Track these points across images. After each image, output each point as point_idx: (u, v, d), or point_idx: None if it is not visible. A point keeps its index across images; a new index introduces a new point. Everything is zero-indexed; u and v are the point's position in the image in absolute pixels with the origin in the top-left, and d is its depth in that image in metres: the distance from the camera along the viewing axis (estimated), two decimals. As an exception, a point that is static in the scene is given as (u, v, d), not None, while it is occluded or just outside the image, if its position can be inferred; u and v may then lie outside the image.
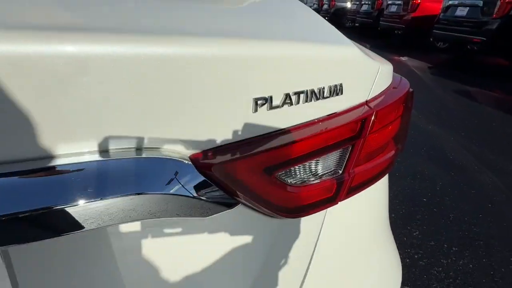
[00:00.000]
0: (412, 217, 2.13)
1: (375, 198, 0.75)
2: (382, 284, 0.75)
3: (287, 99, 0.50)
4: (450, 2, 6.73)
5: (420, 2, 8.41)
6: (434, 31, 7.34)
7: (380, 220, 0.78)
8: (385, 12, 9.95)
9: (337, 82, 0.55)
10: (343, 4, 14.23)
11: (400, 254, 1.55)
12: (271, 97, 0.48)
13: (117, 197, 0.40)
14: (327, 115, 0.56)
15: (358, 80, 0.59)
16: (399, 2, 9.12)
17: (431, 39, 7.89)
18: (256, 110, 0.47)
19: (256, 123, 0.48)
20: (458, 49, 7.35)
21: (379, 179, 0.72)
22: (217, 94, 0.44)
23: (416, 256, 1.81)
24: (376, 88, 0.63)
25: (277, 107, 0.49)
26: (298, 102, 0.51)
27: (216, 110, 0.45)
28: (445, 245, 1.89)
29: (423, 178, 2.59)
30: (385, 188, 0.81)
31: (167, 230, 0.50)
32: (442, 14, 7.08)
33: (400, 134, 0.76)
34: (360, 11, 11.99)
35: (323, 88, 0.53)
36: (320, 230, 0.63)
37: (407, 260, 1.78)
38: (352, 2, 13.48)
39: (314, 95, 0.52)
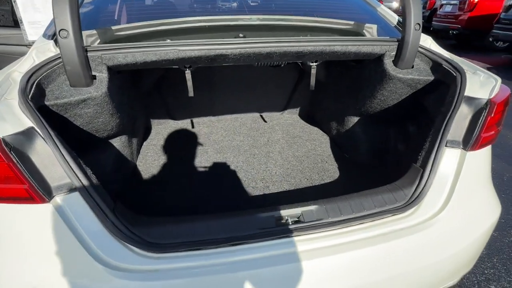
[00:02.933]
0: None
1: (487, 156, 1.25)
2: (491, 205, 1.23)
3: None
4: (513, 2, 6.67)
5: (478, 1, 8.31)
6: (494, 31, 7.27)
7: (489, 170, 1.27)
8: (438, 12, 9.87)
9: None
10: (389, 4, 14.20)
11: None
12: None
13: None
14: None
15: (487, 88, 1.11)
16: (455, 1, 9.05)
17: (490, 39, 7.79)
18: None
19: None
20: (520, 49, 7.22)
21: (490, 144, 1.22)
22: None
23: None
24: (495, 92, 1.14)
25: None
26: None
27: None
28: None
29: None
30: (490, 153, 1.29)
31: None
32: (503, 13, 7.02)
33: (501, 120, 1.25)
34: (411, 11, 11.90)
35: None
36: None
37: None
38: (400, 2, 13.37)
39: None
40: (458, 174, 1.16)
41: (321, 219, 1.06)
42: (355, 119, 1.92)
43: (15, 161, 0.82)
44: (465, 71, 1.25)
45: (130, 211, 1.03)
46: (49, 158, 0.87)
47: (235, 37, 1.47)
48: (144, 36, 1.48)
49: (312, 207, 1.10)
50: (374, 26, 1.69)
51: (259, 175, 1.83)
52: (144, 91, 1.91)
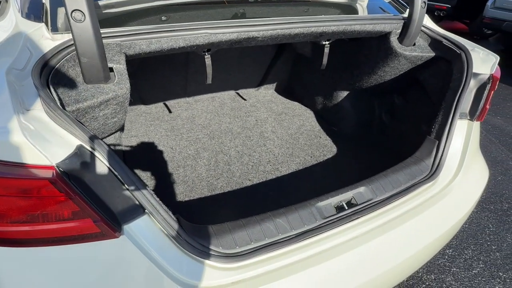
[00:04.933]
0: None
1: (478, 127, 1.44)
2: (483, 170, 1.44)
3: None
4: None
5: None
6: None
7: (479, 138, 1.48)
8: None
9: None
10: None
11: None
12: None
13: None
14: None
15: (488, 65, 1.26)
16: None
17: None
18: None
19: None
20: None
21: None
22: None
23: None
24: (495, 68, 1.30)
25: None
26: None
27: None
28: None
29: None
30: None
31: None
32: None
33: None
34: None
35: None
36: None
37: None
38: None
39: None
40: (467, 142, 1.33)
41: (371, 199, 1.11)
42: (344, 94, 1.99)
43: (78, 192, 0.65)
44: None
45: (189, 222, 0.92)
46: (110, 180, 0.71)
47: (236, 14, 1.35)
48: (139, 14, 1.24)
49: (361, 189, 1.14)
50: (366, 0, 1.72)
51: (264, 157, 1.79)
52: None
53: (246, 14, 1.37)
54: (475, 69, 1.31)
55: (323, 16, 1.28)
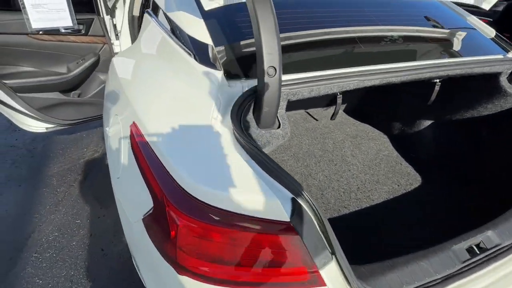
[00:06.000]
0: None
1: None
2: None
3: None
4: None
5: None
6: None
7: None
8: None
9: None
10: None
11: None
12: None
13: None
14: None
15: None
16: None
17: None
18: None
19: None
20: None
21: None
22: None
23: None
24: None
25: None
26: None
27: None
28: None
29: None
30: None
31: None
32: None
33: None
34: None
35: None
36: None
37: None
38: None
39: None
40: None
41: (499, 243, 1.14)
42: (427, 123, 2.01)
43: (302, 243, 0.71)
44: None
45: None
46: (312, 229, 0.77)
47: (359, 53, 1.38)
48: None
49: (488, 233, 1.16)
50: (463, 34, 1.74)
51: (352, 183, 1.84)
52: None
53: (364, 52, 1.41)
54: None
55: (450, 60, 1.32)
